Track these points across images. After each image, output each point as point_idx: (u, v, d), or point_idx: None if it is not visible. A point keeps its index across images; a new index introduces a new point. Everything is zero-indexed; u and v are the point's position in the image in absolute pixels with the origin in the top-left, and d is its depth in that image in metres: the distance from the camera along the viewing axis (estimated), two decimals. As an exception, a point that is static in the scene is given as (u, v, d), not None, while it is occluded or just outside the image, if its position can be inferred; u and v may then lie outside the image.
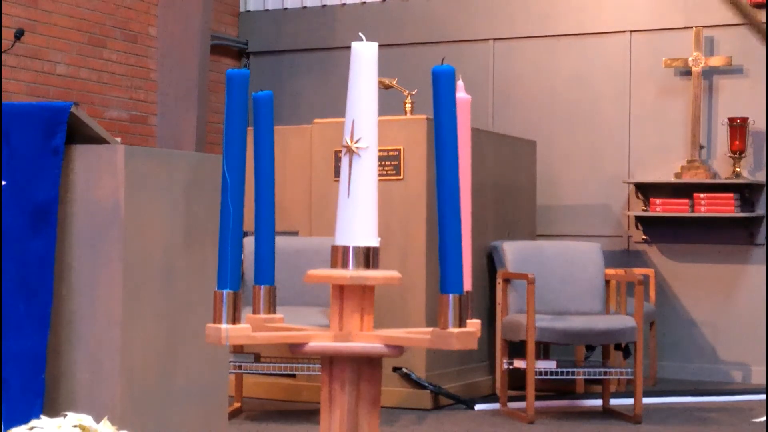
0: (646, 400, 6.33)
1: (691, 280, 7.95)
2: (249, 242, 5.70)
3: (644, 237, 8.09)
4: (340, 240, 1.97)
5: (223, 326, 1.92)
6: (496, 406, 6.43)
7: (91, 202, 3.20)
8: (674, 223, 7.94)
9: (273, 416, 6.18)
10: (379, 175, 2.34)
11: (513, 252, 6.61)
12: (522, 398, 6.19)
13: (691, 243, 7.96)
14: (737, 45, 7.88)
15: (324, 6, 9.09)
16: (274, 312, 2.14)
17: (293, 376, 6.49)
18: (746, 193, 7.75)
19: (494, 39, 8.55)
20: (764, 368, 7.42)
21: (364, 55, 1.99)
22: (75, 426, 1.66)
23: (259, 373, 6.31)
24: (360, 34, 2.09)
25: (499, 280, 6.54)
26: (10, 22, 7.17)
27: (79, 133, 3.24)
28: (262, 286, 2.14)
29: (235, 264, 1.93)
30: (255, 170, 2.12)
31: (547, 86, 8.40)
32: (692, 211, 7.73)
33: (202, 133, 8.35)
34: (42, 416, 1.71)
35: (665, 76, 8.08)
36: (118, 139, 3.55)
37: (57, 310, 3.18)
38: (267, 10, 9.35)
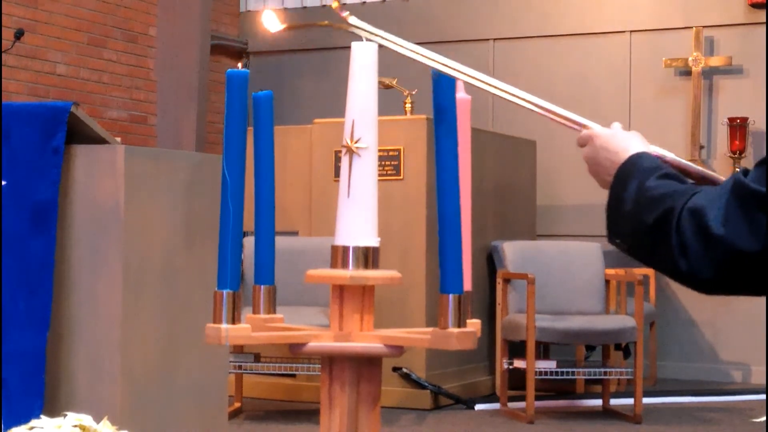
0: (646, 400, 6.32)
1: (691, 280, 7.94)
2: (249, 242, 5.70)
3: (644, 237, 8.08)
4: (340, 240, 1.97)
5: (223, 326, 1.92)
6: (496, 406, 6.43)
7: (91, 202, 3.20)
8: (674, 223, 7.93)
9: (273, 416, 6.18)
10: (379, 175, 2.34)
11: (513, 252, 6.61)
12: (522, 398, 6.19)
13: (691, 243, 7.95)
14: (737, 45, 7.88)
15: (324, 6, 9.09)
16: (274, 312, 2.13)
17: (293, 376, 6.48)
18: (746, 193, 7.74)
19: (494, 39, 8.55)
20: (764, 368, 7.41)
21: (364, 55, 1.99)
22: (75, 426, 1.66)
23: (259, 373, 6.31)
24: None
25: (499, 280, 6.54)
26: (10, 22, 7.17)
27: (79, 133, 3.23)
28: (262, 286, 2.14)
29: (235, 264, 1.93)
30: (255, 170, 2.12)
31: (547, 86, 8.39)
32: (692, 211, 7.72)
33: (202, 133, 8.35)
34: (42, 416, 1.71)
35: (665, 76, 8.08)
36: (118, 139, 3.55)
37: (57, 309, 3.18)
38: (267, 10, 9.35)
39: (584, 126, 1.94)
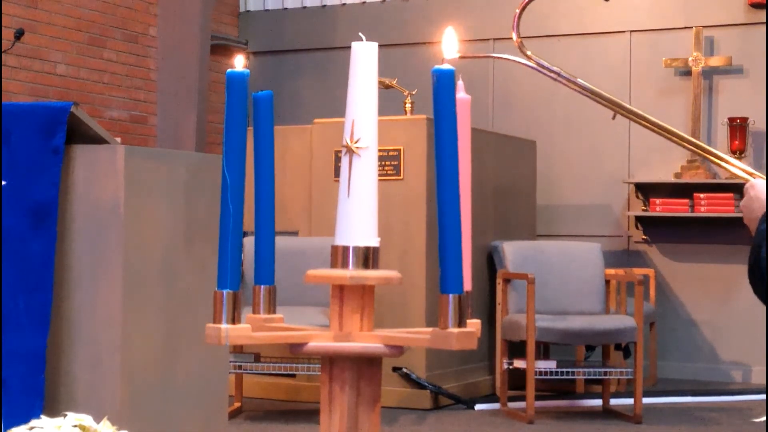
0: (646, 400, 6.32)
1: (691, 280, 7.95)
2: (249, 242, 5.70)
3: (644, 237, 8.09)
4: (340, 240, 1.97)
5: (223, 326, 1.91)
6: (496, 406, 6.43)
7: (91, 202, 3.20)
8: (674, 223, 7.94)
9: (273, 416, 6.18)
10: (379, 175, 2.34)
11: (513, 252, 6.61)
12: (522, 398, 6.19)
13: (691, 243, 7.96)
14: (737, 45, 7.88)
15: (324, 6, 9.09)
16: (274, 312, 2.13)
17: (293, 376, 6.49)
18: (746, 193, 7.74)
19: (494, 39, 8.55)
20: (764, 368, 7.41)
21: (364, 55, 1.99)
22: (75, 426, 1.66)
23: (259, 373, 6.31)
24: (360, 34, 2.09)
25: (499, 280, 6.54)
26: (10, 22, 7.17)
27: (79, 133, 3.23)
28: (262, 286, 2.13)
29: (235, 264, 1.93)
30: (255, 170, 2.11)
31: (547, 86, 8.39)
32: (692, 211, 7.73)
33: (202, 133, 8.35)
34: (42, 416, 1.71)
35: (665, 76, 8.08)
36: (118, 139, 3.55)
37: (57, 309, 3.18)
38: (267, 10, 9.35)
39: (753, 174, 2.01)
